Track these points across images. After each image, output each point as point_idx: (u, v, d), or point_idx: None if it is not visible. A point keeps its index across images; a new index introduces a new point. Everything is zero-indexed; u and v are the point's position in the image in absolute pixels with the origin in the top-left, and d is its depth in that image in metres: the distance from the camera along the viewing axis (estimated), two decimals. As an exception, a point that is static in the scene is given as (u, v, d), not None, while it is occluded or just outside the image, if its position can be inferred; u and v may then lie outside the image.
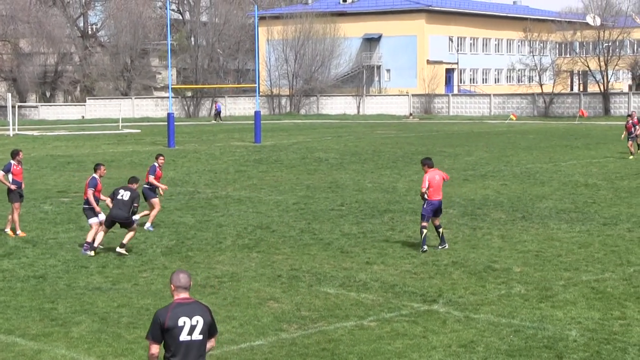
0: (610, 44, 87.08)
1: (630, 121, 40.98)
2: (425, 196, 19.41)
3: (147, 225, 22.82)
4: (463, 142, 52.64)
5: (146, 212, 23.32)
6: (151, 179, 23.24)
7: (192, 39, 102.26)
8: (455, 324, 13.99)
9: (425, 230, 19.33)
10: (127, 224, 19.66)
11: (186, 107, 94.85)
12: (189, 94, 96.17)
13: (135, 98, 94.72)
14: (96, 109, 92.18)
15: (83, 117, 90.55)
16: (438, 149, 47.72)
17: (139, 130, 69.56)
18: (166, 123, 56.52)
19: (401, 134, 61.90)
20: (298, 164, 40.47)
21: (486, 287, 16.30)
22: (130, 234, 19.67)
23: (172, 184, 33.46)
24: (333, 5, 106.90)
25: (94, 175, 20.55)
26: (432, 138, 57.56)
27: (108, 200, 19.96)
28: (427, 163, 19.88)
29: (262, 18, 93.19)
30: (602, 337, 13.23)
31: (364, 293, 16.02)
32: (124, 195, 19.64)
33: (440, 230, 19.74)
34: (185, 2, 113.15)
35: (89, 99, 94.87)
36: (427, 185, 19.37)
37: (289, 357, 12.61)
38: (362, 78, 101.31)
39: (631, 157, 40.31)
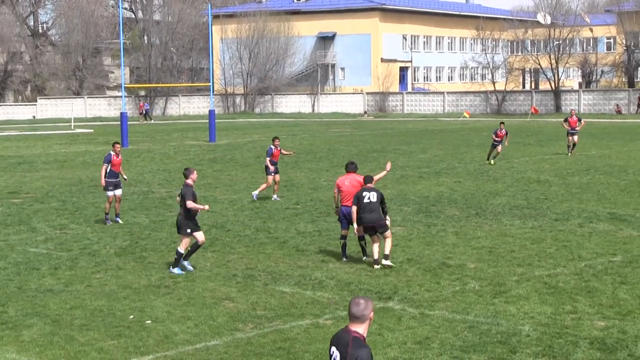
0: (560, 42, 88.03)
1: (503, 130, 38.11)
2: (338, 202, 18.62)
3: (255, 193, 27.88)
4: (417, 140, 52.90)
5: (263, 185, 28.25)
6: (268, 160, 28.03)
7: (145, 37, 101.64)
8: (411, 320, 14.05)
9: (342, 240, 18.61)
10: (381, 228, 17.80)
11: (150, 105, 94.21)
12: (143, 93, 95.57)
13: (87, 97, 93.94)
14: (47, 108, 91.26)
15: (34, 117, 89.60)
16: (393, 146, 47.90)
17: (92, 130, 68.98)
18: (119, 122, 56.09)
19: (356, 132, 62.06)
20: (253, 163, 40.40)
21: (441, 284, 16.39)
22: (388, 241, 17.86)
23: (126, 184, 33.22)
24: (287, 4, 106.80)
25: (110, 152, 24.08)
26: (387, 136, 57.77)
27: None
28: (345, 166, 19.03)
29: (215, 17, 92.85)
30: (554, 331, 13.37)
31: (320, 291, 16.03)
32: (371, 196, 17.74)
33: (362, 242, 18.54)
34: (137, 0, 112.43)
35: (40, 98, 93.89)
36: (336, 190, 18.60)
37: (244, 357, 12.58)
38: (316, 76, 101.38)
39: (490, 162, 37.57)
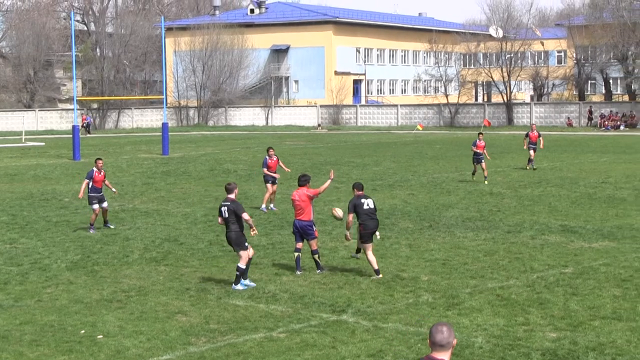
0: (512, 55, 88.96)
1: (482, 141, 36.01)
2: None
3: (262, 206, 28.19)
4: (371, 153, 53.06)
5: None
6: (264, 170, 28.47)
7: (98, 50, 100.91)
8: (364, 333, 14.05)
9: (296, 253, 18.56)
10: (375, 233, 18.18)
11: (92, 119, 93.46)
12: (95, 105, 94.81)
13: (39, 110, 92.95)
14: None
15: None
16: (347, 159, 48.00)
17: (43, 143, 68.29)
18: (71, 135, 55.60)
19: (310, 145, 62.09)
20: (206, 176, 40.24)
21: (394, 296, 16.42)
22: (371, 255, 17.99)
23: (78, 197, 32.89)
24: (241, 17, 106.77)
25: (93, 168, 25.03)
26: (341, 149, 57.88)
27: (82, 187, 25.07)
28: (297, 179, 19.06)
29: (169, 29, 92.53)
30: (507, 343, 13.44)
31: (273, 304, 15.98)
32: (369, 203, 18.12)
33: (315, 256, 18.55)
34: (90, 12, 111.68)
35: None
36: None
37: (197, 371, 12.49)
38: (270, 89, 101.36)
39: (486, 182, 34.88)
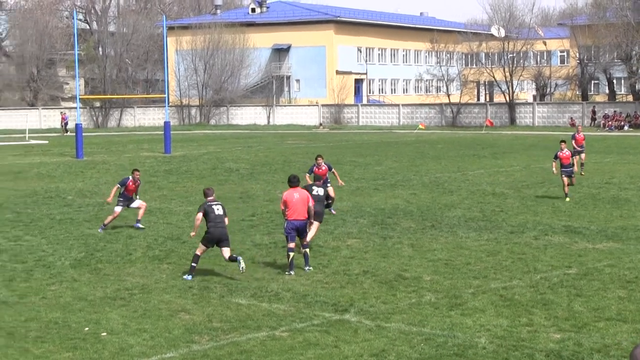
0: (514, 55, 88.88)
1: (567, 150, 30.43)
2: (285, 216, 18.74)
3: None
4: (373, 152, 53.05)
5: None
6: (307, 177, 26.29)
7: (100, 49, 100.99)
8: (367, 333, 14.06)
9: (291, 253, 18.44)
10: (320, 217, 20.80)
11: (95, 118, 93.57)
12: (98, 104, 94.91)
13: (42, 109, 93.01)
14: (1, 120, 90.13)
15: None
16: (348, 158, 48.00)
17: (47, 142, 68.31)
18: (74, 134, 55.61)
19: (311, 144, 62.08)
20: (208, 175, 40.25)
21: (397, 296, 16.42)
22: (314, 229, 20.62)
23: (81, 195, 32.97)
24: (242, 16, 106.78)
25: (129, 176, 25.05)
26: (342, 148, 57.87)
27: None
28: (289, 180, 19.02)
29: (170, 28, 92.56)
30: (511, 343, 13.44)
31: (276, 303, 16.00)
32: (320, 191, 21.00)
33: (306, 250, 18.82)
34: (92, 11, 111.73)
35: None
36: (283, 206, 18.60)
37: (201, 370, 12.50)
38: (271, 88, 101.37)
39: (567, 199, 29.59)
